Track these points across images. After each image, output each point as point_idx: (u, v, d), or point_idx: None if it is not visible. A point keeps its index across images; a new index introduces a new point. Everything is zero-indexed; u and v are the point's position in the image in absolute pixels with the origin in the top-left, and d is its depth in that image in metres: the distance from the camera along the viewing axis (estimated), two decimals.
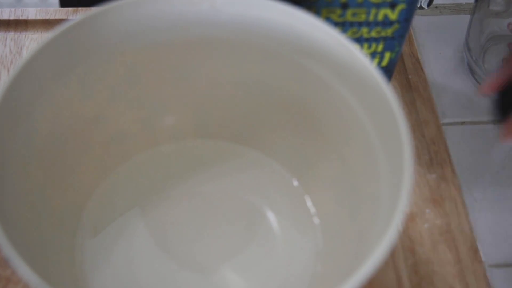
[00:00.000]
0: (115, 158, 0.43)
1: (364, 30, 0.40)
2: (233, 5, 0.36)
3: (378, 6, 0.39)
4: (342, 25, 0.40)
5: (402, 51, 0.52)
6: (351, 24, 0.40)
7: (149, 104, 0.42)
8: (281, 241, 0.41)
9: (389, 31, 0.40)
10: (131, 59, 0.38)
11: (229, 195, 0.43)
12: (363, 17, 0.40)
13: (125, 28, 0.36)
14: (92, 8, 0.48)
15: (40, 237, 0.35)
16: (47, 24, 0.52)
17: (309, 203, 0.42)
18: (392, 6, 0.39)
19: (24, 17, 0.52)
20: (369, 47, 0.42)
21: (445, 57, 0.53)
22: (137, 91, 0.40)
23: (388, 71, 0.44)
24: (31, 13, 0.52)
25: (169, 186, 0.43)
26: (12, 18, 0.52)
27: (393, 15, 0.39)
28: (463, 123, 0.49)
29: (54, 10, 0.53)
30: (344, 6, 0.39)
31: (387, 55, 0.42)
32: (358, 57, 0.34)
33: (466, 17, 0.53)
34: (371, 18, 0.40)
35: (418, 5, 0.50)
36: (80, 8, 0.53)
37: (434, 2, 0.53)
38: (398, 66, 0.51)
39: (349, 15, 0.39)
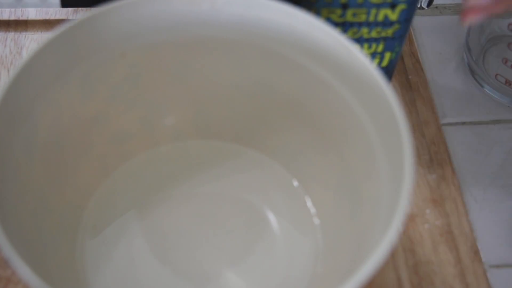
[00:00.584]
0: (115, 158, 0.43)
1: (364, 31, 0.40)
2: (233, 5, 0.36)
3: (378, 6, 0.39)
4: (342, 26, 0.40)
5: (402, 51, 0.52)
6: (351, 24, 0.40)
7: (149, 104, 0.42)
8: (281, 241, 0.41)
9: (389, 32, 0.40)
10: (131, 59, 0.38)
11: (229, 195, 0.43)
12: (363, 18, 0.39)
13: (125, 29, 0.36)
14: (92, 8, 0.48)
15: (40, 237, 0.35)
16: (47, 24, 0.52)
17: (309, 203, 0.42)
18: (392, 6, 0.39)
19: (24, 17, 0.52)
20: (369, 47, 0.42)
21: (445, 57, 0.53)
22: (137, 91, 0.40)
23: (388, 71, 0.44)
24: (31, 13, 0.52)
25: (169, 187, 0.43)
26: (12, 18, 0.52)
27: (393, 16, 0.39)
28: (463, 123, 0.49)
29: (54, 10, 0.53)
30: (344, 6, 0.39)
31: (387, 56, 0.42)
32: (358, 58, 0.34)
33: None
34: (371, 18, 0.40)
35: (418, 5, 0.50)
36: (80, 8, 0.53)
37: (434, 2, 0.53)
38: (398, 66, 0.51)
39: (349, 15, 0.39)
